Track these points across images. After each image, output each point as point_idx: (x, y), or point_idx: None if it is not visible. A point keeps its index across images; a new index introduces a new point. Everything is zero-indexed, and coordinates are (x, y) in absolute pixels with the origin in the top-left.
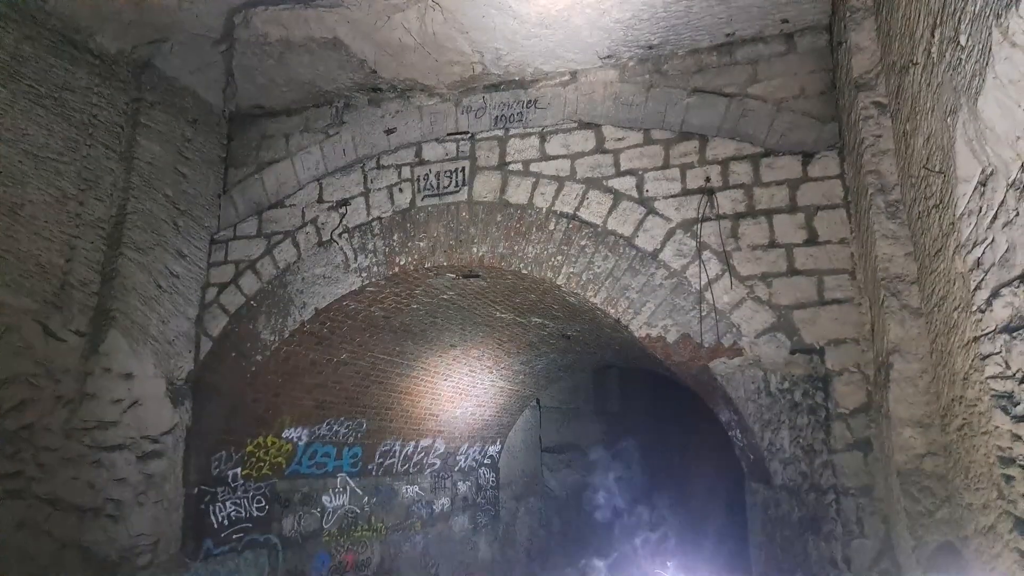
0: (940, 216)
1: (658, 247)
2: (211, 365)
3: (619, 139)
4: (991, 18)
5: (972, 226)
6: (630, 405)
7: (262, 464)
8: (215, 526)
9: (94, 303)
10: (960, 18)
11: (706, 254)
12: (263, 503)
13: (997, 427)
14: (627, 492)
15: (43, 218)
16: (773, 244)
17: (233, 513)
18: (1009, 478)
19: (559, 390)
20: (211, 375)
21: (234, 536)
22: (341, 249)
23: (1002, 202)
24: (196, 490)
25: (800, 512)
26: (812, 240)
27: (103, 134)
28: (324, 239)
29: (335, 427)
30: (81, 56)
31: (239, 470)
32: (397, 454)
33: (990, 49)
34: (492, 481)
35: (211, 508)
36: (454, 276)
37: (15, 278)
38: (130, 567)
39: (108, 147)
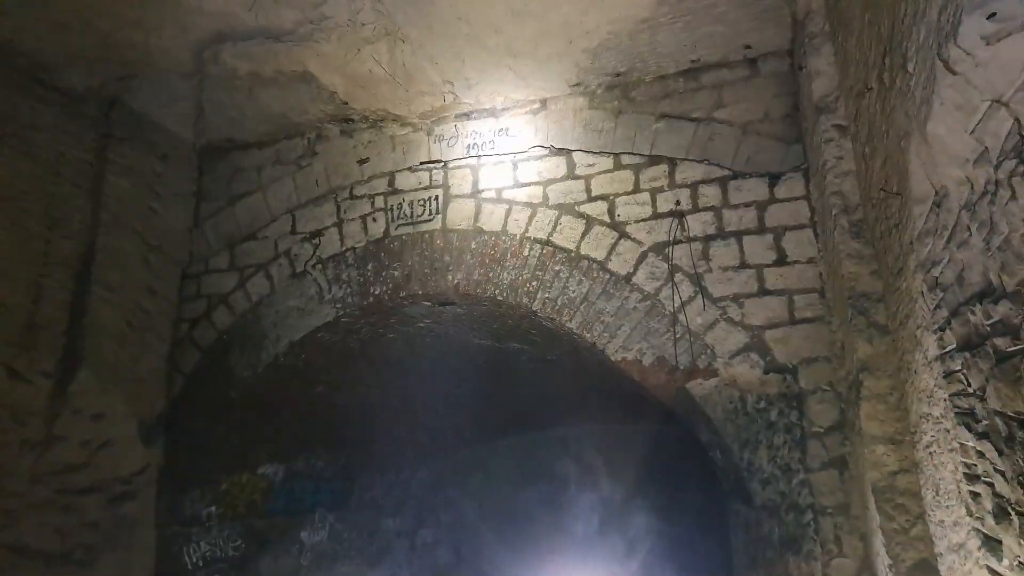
0: (900, 236)
1: (631, 270)
2: (184, 402)
3: (590, 165)
4: (934, 47)
5: (929, 246)
6: (612, 428)
7: (238, 502)
8: (189, 567)
9: (62, 343)
10: (907, 46)
11: (678, 276)
12: (239, 542)
13: (962, 444)
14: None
15: (8, 258)
16: (743, 265)
17: (208, 553)
18: (975, 495)
19: (539, 418)
20: (184, 413)
21: None
22: (315, 280)
23: (956, 223)
24: (169, 531)
25: (780, 532)
26: (781, 260)
27: (71, 171)
28: (298, 271)
29: (313, 461)
30: (48, 94)
31: (214, 509)
32: (377, 486)
33: (935, 76)
34: (475, 511)
35: (185, 549)
36: (429, 304)
37: None
38: None
39: (76, 184)
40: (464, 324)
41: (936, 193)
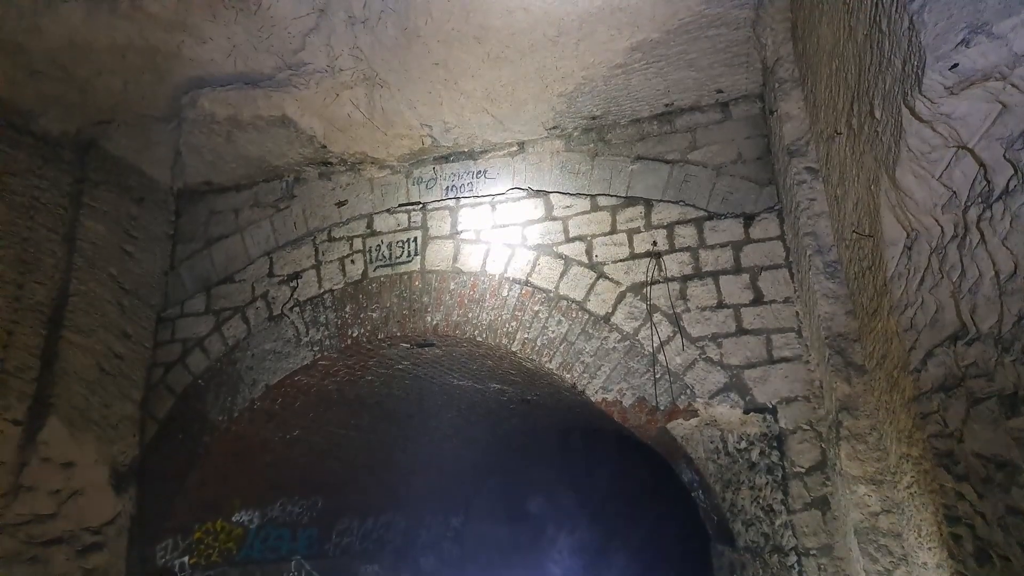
0: (874, 277)
1: (610, 311)
2: (157, 449)
3: (567, 206)
4: (899, 95)
5: (902, 288)
6: (595, 468)
7: (211, 551)
8: None
9: (32, 390)
10: (873, 94)
11: (657, 316)
12: None
13: (942, 485)
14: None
15: None
16: (721, 305)
17: None
18: (957, 537)
19: (522, 457)
20: (157, 459)
21: None
22: (292, 323)
23: (927, 266)
24: None
25: (766, 575)
26: (758, 300)
27: (45, 216)
28: (275, 313)
29: (289, 507)
30: (22, 139)
31: (187, 559)
32: (355, 531)
33: (901, 123)
34: (456, 554)
35: None
36: (408, 346)
37: None
38: None
39: (50, 229)
40: (443, 365)
41: (907, 236)
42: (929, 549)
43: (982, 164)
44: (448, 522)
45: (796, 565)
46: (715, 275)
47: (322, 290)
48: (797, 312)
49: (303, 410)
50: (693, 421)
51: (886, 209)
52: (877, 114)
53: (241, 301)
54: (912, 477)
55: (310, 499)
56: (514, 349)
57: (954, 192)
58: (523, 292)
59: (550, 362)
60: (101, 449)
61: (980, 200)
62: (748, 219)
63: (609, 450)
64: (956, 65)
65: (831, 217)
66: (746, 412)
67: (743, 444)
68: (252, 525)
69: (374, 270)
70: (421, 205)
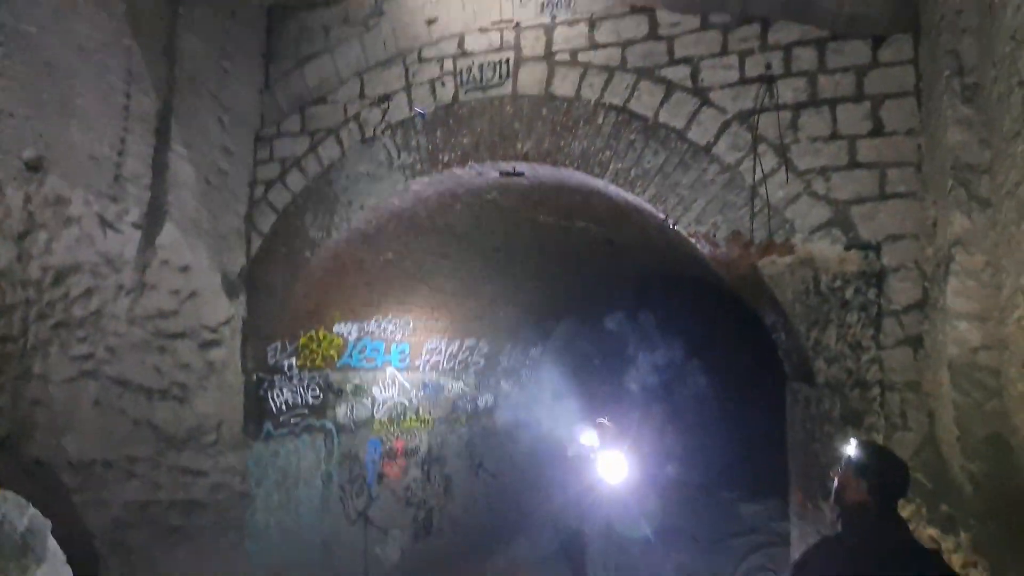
0: (1023, 93)
1: (711, 140)
2: (263, 261)
3: (674, 24)
4: None
5: None
6: (674, 314)
7: (315, 356)
8: (273, 411)
9: (147, 197)
10: None
11: (762, 147)
12: (317, 392)
13: None
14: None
15: (93, 112)
16: (835, 136)
17: (290, 400)
18: None
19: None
20: (263, 270)
21: (292, 420)
22: (384, 146)
23: None
24: (254, 377)
25: (842, 408)
26: (877, 131)
27: (145, 27)
28: (367, 136)
29: (383, 324)
30: None
31: (294, 360)
32: (443, 352)
33: None
34: (534, 380)
35: (269, 394)
36: (497, 175)
37: (71, 170)
38: (197, 444)
39: (151, 40)
40: (532, 199)
41: None
42: None
43: None
44: (527, 352)
45: (878, 398)
46: (832, 103)
47: (413, 113)
48: (919, 145)
49: (395, 234)
50: (787, 259)
51: None
52: None
53: (334, 122)
54: None
55: (403, 318)
56: (606, 179)
57: None
58: (619, 119)
59: (643, 193)
60: (213, 257)
61: None
62: (877, 40)
63: (688, 299)
64: None
65: (979, 32)
66: (847, 248)
67: (837, 283)
68: (351, 337)
69: (465, 93)
70: (515, 23)
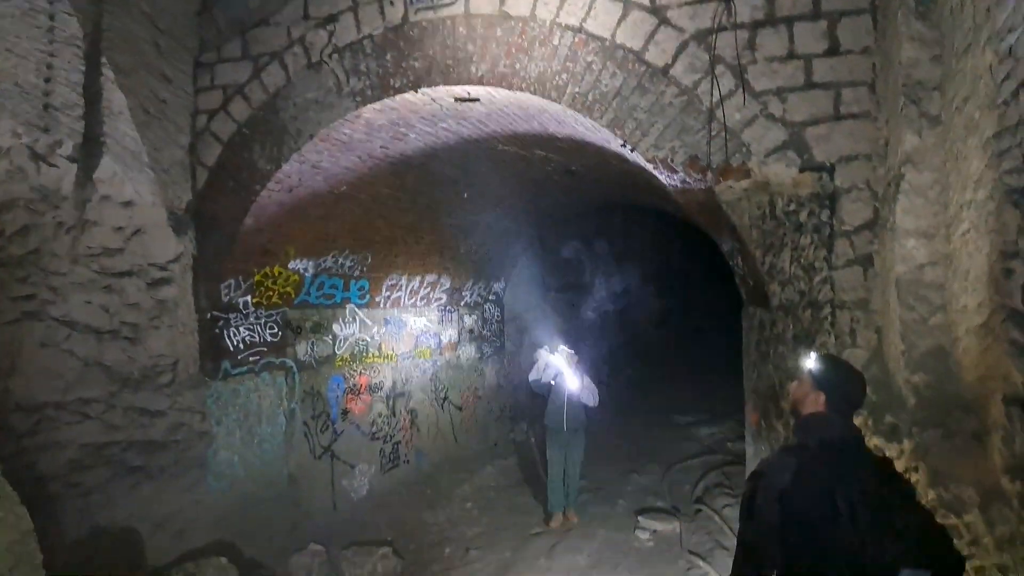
0: (974, 5)
1: (669, 62)
2: (210, 195)
3: None
4: None
5: (1007, 12)
6: (632, 245)
7: (271, 293)
8: (231, 349)
9: (81, 128)
10: None
11: (720, 68)
12: (275, 330)
13: (1005, 224)
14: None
15: (12, 32)
16: (792, 56)
17: (248, 338)
18: (1009, 272)
19: (562, 234)
20: (211, 205)
21: (251, 359)
22: (332, 71)
23: None
24: (209, 315)
25: (795, 328)
26: (833, 50)
27: None
28: (314, 60)
29: (341, 260)
30: None
31: (249, 298)
32: (403, 288)
33: None
34: (497, 315)
35: (225, 332)
36: (451, 100)
37: None
38: (153, 385)
39: None
40: (488, 127)
41: None
42: (973, 291)
43: None
44: (490, 287)
45: (829, 317)
46: (790, 21)
47: (361, 35)
48: (874, 64)
49: (348, 165)
50: (744, 183)
51: None
52: None
53: (278, 46)
54: (970, 223)
55: (360, 254)
56: (563, 104)
57: None
58: (576, 40)
59: (600, 118)
60: (157, 191)
61: None
62: None
63: (648, 229)
64: None
65: None
66: (801, 171)
67: (792, 206)
68: (307, 273)
69: (415, 13)
70: None
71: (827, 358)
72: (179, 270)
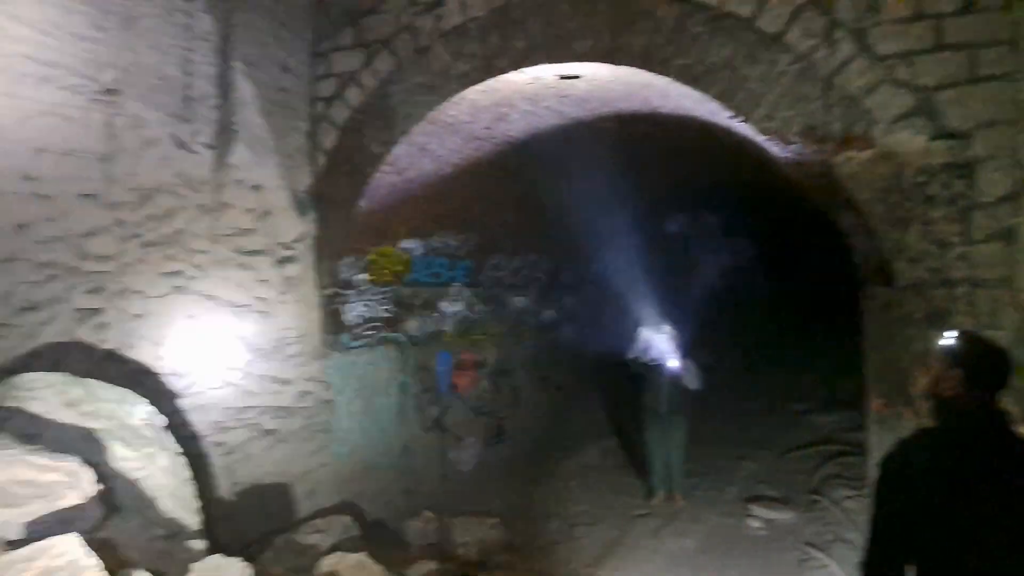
0: None
1: (782, 28)
2: (328, 178)
3: None
4: None
5: None
6: (741, 222)
7: (384, 271)
8: (349, 324)
9: (216, 117)
10: None
11: (838, 33)
12: (389, 306)
13: None
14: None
15: (157, 30)
16: (919, 16)
17: (364, 313)
18: None
19: (665, 212)
20: (329, 187)
21: (367, 333)
22: (438, 55)
23: None
24: (329, 292)
25: (927, 308)
26: (967, 7)
27: None
28: (421, 45)
29: (447, 240)
30: None
31: (365, 275)
32: (505, 267)
33: None
34: (597, 296)
35: (343, 308)
36: (554, 79)
37: (144, 92)
38: (282, 355)
39: None
40: (590, 104)
41: None
42: None
43: None
44: (590, 266)
45: (966, 296)
46: None
47: (466, 18)
48: (1014, 20)
49: (454, 147)
50: (866, 153)
51: None
52: None
53: (387, 33)
54: None
55: (465, 235)
56: (670, 78)
57: None
58: (683, 11)
59: (708, 90)
60: (281, 175)
61: None
62: None
63: (757, 206)
64: None
65: None
66: (933, 139)
67: (921, 177)
68: (416, 253)
69: None
70: None
71: (966, 333)
72: (303, 249)
